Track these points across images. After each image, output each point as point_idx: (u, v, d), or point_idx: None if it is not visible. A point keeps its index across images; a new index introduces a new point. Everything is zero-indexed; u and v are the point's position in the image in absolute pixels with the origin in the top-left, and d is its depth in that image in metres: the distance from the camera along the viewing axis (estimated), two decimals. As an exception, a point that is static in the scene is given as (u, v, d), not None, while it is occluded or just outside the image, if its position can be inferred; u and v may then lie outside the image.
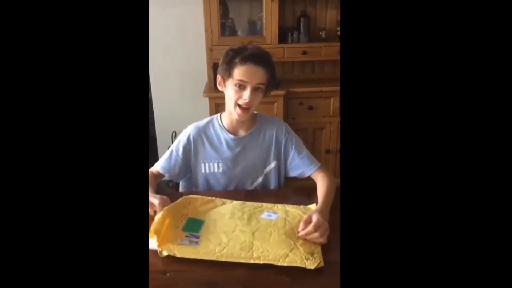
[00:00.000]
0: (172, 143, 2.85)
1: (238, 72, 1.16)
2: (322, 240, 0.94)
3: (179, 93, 2.75)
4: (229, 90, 1.20)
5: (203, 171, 1.30)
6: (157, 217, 0.99)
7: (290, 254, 0.89)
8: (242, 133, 1.29)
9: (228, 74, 1.18)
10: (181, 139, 1.31)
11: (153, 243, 0.92)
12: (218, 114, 1.32)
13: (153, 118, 2.86)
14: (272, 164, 1.32)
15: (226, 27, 2.53)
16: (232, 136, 1.28)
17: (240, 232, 0.96)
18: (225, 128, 1.29)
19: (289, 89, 2.41)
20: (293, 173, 1.33)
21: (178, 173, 1.31)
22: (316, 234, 0.93)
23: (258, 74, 1.17)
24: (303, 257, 0.88)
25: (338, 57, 2.49)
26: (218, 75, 1.23)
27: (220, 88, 1.25)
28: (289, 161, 1.31)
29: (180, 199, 1.12)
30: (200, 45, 2.47)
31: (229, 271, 0.87)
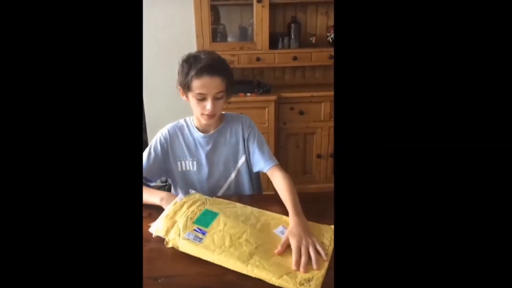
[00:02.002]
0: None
1: (196, 85, 1.17)
2: (317, 265, 0.88)
3: (170, 98, 2.75)
4: (191, 101, 1.23)
5: (179, 169, 1.34)
6: (171, 206, 1.05)
7: (285, 276, 0.85)
8: (211, 131, 1.33)
9: (187, 87, 1.19)
10: (158, 138, 1.33)
11: (155, 230, 0.99)
12: (191, 116, 1.36)
13: (145, 123, 2.86)
14: (243, 158, 1.35)
15: (217, 33, 2.54)
16: (202, 134, 1.32)
17: (245, 241, 0.95)
18: (196, 128, 1.33)
19: (280, 94, 2.43)
20: (254, 169, 1.34)
21: (154, 173, 1.31)
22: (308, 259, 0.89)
23: (215, 84, 1.17)
24: (298, 282, 0.84)
25: (328, 62, 2.52)
26: (178, 86, 1.24)
27: (183, 98, 1.26)
28: (251, 155, 1.34)
29: (201, 196, 1.14)
30: (192, 50, 2.47)
31: (220, 277, 0.87)
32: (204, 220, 1.01)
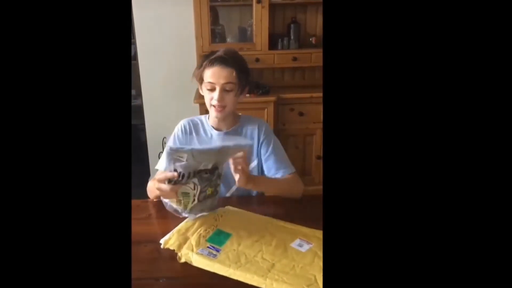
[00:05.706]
0: (163, 149, 2.82)
1: (207, 75, 1.23)
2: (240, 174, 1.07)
3: (170, 100, 2.75)
4: (204, 93, 1.28)
5: None
6: (181, 225, 1.04)
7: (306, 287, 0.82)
8: (225, 129, 1.34)
9: (200, 78, 1.25)
10: (175, 132, 1.36)
11: (165, 242, 0.98)
12: (206, 114, 1.38)
13: (144, 124, 2.85)
14: (254, 163, 1.34)
15: (216, 34, 2.54)
16: (217, 131, 1.33)
17: (261, 259, 0.92)
18: (211, 126, 1.35)
19: (280, 95, 2.42)
20: (266, 174, 1.32)
21: None
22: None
23: (224, 74, 1.21)
24: None
25: (328, 64, 2.52)
26: (194, 78, 1.30)
27: (201, 92, 1.32)
28: (263, 160, 1.33)
29: (213, 211, 1.12)
30: (191, 51, 2.48)
31: (222, 279, 0.86)
32: (217, 239, 0.99)
